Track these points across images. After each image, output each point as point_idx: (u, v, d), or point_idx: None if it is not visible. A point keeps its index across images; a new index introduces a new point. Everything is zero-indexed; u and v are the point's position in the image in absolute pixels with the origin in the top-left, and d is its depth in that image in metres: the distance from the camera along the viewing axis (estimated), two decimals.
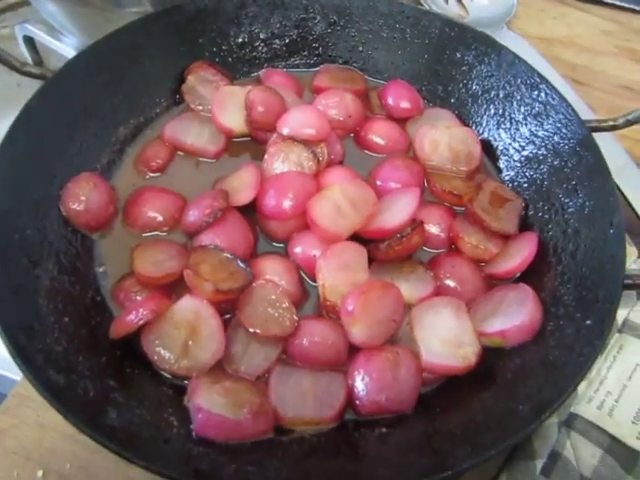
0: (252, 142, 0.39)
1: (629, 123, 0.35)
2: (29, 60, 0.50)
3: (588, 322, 0.27)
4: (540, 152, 0.36)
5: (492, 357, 0.29)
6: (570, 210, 0.33)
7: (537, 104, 0.37)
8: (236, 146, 0.39)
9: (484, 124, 0.40)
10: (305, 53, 0.43)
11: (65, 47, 0.48)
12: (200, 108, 0.39)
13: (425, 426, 0.27)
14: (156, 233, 0.34)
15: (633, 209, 0.39)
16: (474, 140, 0.38)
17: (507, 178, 0.38)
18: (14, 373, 0.33)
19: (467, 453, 0.24)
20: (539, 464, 0.28)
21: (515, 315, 0.30)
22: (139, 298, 0.30)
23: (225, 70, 0.41)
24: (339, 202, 0.33)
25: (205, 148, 0.38)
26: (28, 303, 0.27)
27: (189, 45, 0.40)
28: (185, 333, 0.29)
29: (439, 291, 0.32)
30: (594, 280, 0.29)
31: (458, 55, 0.40)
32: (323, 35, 0.43)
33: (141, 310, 0.28)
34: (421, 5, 0.52)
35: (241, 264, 0.31)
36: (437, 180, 0.37)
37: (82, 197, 0.33)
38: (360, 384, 0.28)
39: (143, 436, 0.24)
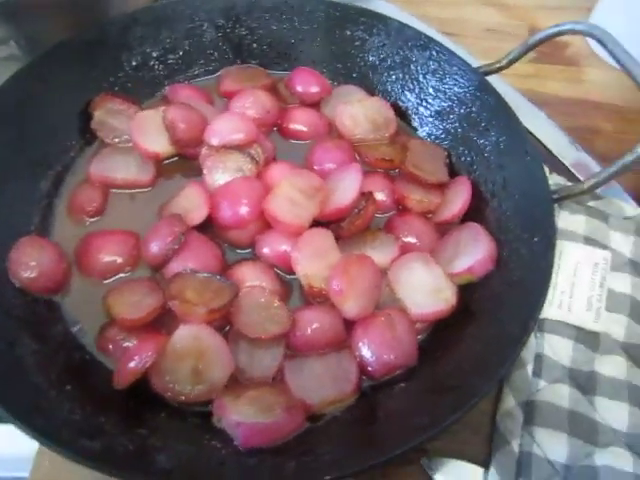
0: (182, 160, 0.38)
1: (511, 62, 0.39)
2: None
3: (536, 239, 0.32)
4: (446, 104, 0.40)
5: (466, 294, 0.33)
6: (488, 149, 0.37)
7: (431, 62, 0.41)
8: (167, 168, 0.38)
9: (389, 90, 0.43)
10: (202, 62, 0.43)
11: None
12: (117, 140, 0.38)
13: (433, 371, 0.30)
14: (119, 276, 0.33)
15: (535, 137, 0.44)
16: (386, 107, 0.41)
17: (424, 134, 0.41)
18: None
19: (480, 380, 0.27)
20: (529, 369, 0.32)
21: (474, 251, 0.33)
22: (130, 344, 0.30)
23: (129, 97, 0.40)
24: (292, 195, 0.34)
25: (137, 179, 0.37)
26: (24, 385, 0.26)
27: (84, 80, 0.39)
28: (192, 360, 0.29)
29: (403, 249, 0.35)
30: (528, 202, 0.34)
31: (348, 32, 0.43)
32: (215, 40, 0.43)
33: (142, 354, 0.28)
34: None
35: (221, 279, 0.31)
36: (367, 151, 0.39)
37: (31, 263, 0.31)
38: (367, 352, 0.30)
39: (200, 468, 0.24)
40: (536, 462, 0.28)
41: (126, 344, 0.30)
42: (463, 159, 0.39)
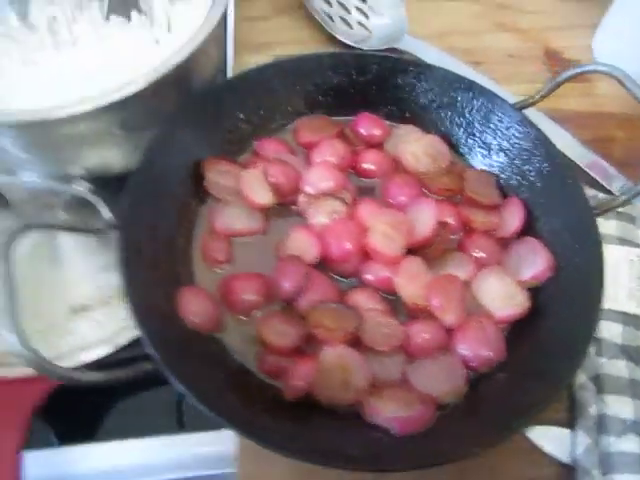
0: (282, 207, 0.46)
1: (542, 98, 0.47)
2: None
3: (585, 248, 0.40)
4: (491, 136, 0.48)
5: (536, 294, 0.42)
6: (532, 174, 0.46)
7: (474, 101, 0.49)
8: (272, 215, 0.46)
9: (440, 126, 0.50)
10: (279, 116, 0.50)
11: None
12: (228, 198, 0.46)
13: (522, 360, 0.38)
14: (255, 311, 0.41)
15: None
16: (440, 142, 0.49)
17: (475, 163, 0.49)
18: None
19: (570, 359, 0.36)
20: (592, 350, 0.41)
21: (535, 262, 0.42)
22: (287, 365, 0.38)
23: (226, 156, 0.47)
24: (384, 230, 0.42)
25: (252, 227, 0.44)
26: (229, 402, 0.34)
27: (191, 147, 0.46)
28: (339, 373, 0.37)
29: (476, 264, 0.43)
30: (573, 218, 0.42)
31: (399, 81, 0.50)
32: (288, 96, 0.50)
33: (304, 373, 0.36)
34: (330, 32, 0.61)
35: (346, 308, 0.39)
36: (430, 182, 0.47)
37: (194, 309, 0.39)
38: (467, 351, 0.39)
39: (376, 452, 0.33)
40: (611, 421, 0.37)
41: (284, 365, 0.38)
42: (511, 182, 0.47)
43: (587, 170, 0.51)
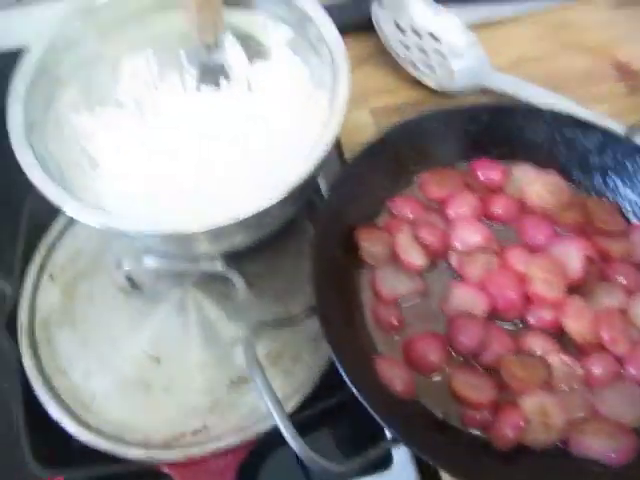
0: (433, 265, 0.50)
1: None
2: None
3: None
4: (604, 165, 0.52)
5: None
6: None
7: (582, 137, 0.52)
8: (426, 273, 0.49)
9: (552, 161, 0.54)
10: (403, 176, 0.54)
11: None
12: (383, 263, 0.49)
13: None
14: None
15: None
16: (558, 177, 0.53)
17: (594, 192, 0.53)
18: None
19: None
20: None
21: None
22: (489, 417, 0.42)
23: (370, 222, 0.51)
24: (541, 275, 0.47)
25: (415, 288, 0.48)
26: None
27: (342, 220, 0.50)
28: (539, 417, 0.41)
29: (623, 290, 0.48)
30: None
31: (509, 122, 0.54)
32: (408, 159, 0.54)
33: (515, 422, 0.41)
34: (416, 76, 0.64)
35: (531, 357, 0.44)
36: (558, 218, 0.51)
37: (394, 379, 0.43)
38: None
39: None
40: None
41: (487, 417, 0.42)
42: (634, 210, 0.51)
43: None
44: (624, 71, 0.64)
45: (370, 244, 0.49)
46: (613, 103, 0.61)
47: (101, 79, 0.56)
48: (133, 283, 0.56)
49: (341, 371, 0.40)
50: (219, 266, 0.52)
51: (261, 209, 0.43)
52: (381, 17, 0.63)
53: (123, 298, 0.56)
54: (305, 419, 0.49)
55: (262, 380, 0.38)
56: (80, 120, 0.53)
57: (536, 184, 0.52)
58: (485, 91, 0.62)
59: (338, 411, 0.51)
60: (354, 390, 0.40)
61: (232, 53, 0.58)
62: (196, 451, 0.49)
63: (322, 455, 0.37)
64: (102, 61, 0.55)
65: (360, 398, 0.39)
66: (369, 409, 0.39)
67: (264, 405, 0.37)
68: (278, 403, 0.37)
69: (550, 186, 0.52)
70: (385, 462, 0.48)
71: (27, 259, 0.58)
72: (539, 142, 0.54)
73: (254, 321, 0.43)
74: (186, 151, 0.54)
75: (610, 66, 0.65)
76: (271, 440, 0.48)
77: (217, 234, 0.47)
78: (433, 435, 0.42)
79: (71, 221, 0.60)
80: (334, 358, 0.41)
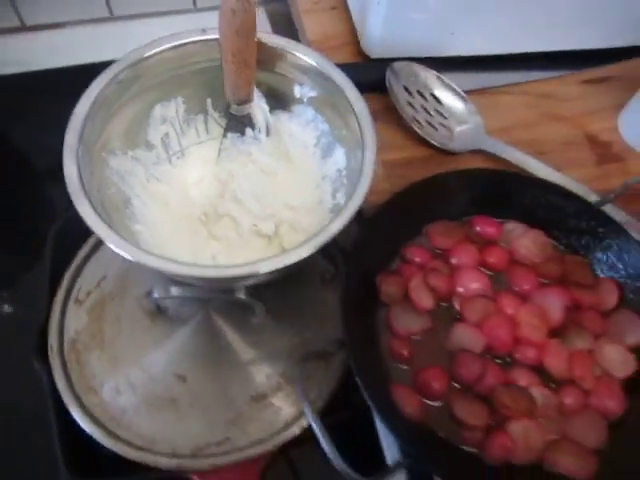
0: (439, 306, 0.59)
1: (616, 197, 0.62)
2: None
3: None
4: (579, 227, 0.62)
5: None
6: (621, 265, 0.60)
7: (561, 202, 0.63)
8: (433, 313, 0.58)
9: (539, 222, 0.64)
10: (414, 227, 0.63)
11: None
12: (397, 303, 0.58)
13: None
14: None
15: None
16: (542, 234, 0.63)
17: (569, 248, 0.64)
18: None
19: None
20: None
21: (636, 329, 0.57)
22: (482, 437, 0.51)
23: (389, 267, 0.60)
24: (529, 321, 0.56)
25: (424, 326, 0.57)
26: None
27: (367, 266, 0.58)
28: (524, 439, 0.51)
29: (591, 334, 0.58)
30: None
31: (505, 188, 0.64)
32: (418, 214, 0.63)
33: (505, 445, 0.50)
34: (420, 134, 0.73)
35: (518, 388, 0.53)
36: (540, 269, 0.61)
37: (406, 402, 0.52)
38: (602, 405, 0.53)
39: None
40: None
41: (480, 439, 0.51)
42: (600, 266, 0.62)
43: None
44: (594, 141, 0.75)
45: (387, 287, 0.58)
46: (585, 169, 0.72)
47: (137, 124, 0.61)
48: (159, 308, 0.62)
49: (365, 395, 0.49)
50: (242, 295, 0.58)
51: (294, 261, 0.47)
52: (393, 81, 0.72)
53: (149, 321, 0.62)
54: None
55: (308, 409, 0.45)
56: (117, 161, 0.59)
57: (525, 239, 0.62)
58: (481, 152, 0.71)
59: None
60: (376, 412, 0.48)
61: (257, 104, 0.65)
62: (221, 461, 0.55)
63: None
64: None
65: (381, 419, 0.48)
66: (389, 429, 0.47)
67: (314, 429, 0.45)
68: (323, 429, 0.45)
69: (536, 241, 0.63)
70: None
71: (54, 286, 0.62)
72: (527, 204, 0.64)
73: (299, 354, 0.50)
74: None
75: (583, 136, 0.76)
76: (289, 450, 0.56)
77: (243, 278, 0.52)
78: (437, 452, 0.51)
79: (94, 248, 0.65)
80: (360, 384, 0.49)
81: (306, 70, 0.60)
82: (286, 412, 0.60)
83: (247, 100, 0.62)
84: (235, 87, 0.60)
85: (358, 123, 0.57)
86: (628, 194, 0.62)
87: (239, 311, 0.63)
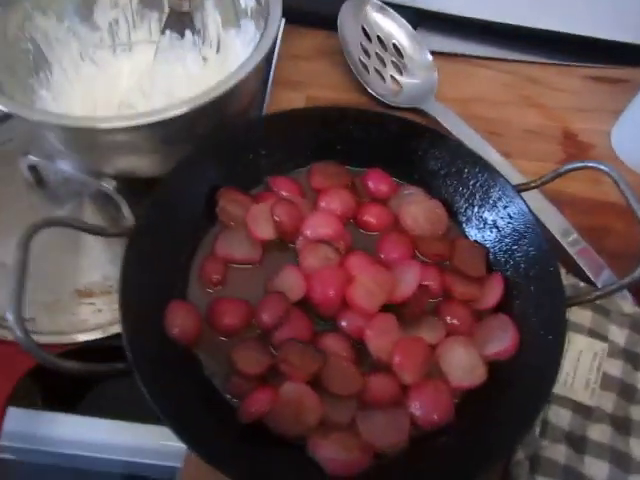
0: (281, 243, 0.50)
1: (543, 184, 0.50)
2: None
3: (550, 337, 0.42)
4: (489, 211, 0.51)
5: (493, 369, 0.44)
6: (519, 254, 0.48)
7: (479, 175, 0.51)
8: (270, 248, 0.50)
9: (444, 193, 0.53)
10: (297, 158, 0.55)
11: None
12: (233, 224, 0.50)
13: (469, 429, 0.41)
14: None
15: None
16: (441, 209, 0.52)
17: (469, 233, 0.52)
18: None
19: (512, 436, 0.38)
20: (537, 430, 0.43)
21: (503, 339, 0.44)
22: (249, 391, 0.42)
23: (240, 187, 0.52)
24: (368, 286, 0.46)
25: (250, 257, 0.49)
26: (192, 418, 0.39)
27: (210, 175, 0.51)
28: (293, 407, 0.41)
29: (448, 330, 0.46)
30: (547, 305, 0.44)
31: (414, 144, 0.54)
32: (310, 142, 0.54)
33: (261, 402, 0.40)
34: (362, 82, 0.65)
35: (315, 350, 0.43)
36: (422, 245, 0.50)
37: (178, 322, 0.44)
38: (417, 410, 0.42)
39: None
40: None
41: (246, 391, 0.42)
42: (498, 259, 0.50)
43: (576, 258, 0.52)
44: (570, 139, 0.62)
45: (227, 203, 0.50)
46: (544, 164, 0.60)
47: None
48: (38, 177, 0.59)
49: (120, 295, 0.41)
50: (112, 186, 0.55)
51: (166, 116, 0.45)
52: (348, 20, 0.64)
53: (25, 190, 0.60)
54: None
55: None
56: (46, 23, 0.58)
57: (417, 207, 0.52)
58: (421, 113, 0.62)
59: None
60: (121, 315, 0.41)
61: (210, 15, 0.62)
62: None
63: None
64: None
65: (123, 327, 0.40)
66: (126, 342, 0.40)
67: None
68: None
69: (430, 213, 0.52)
70: None
71: None
72: (436, 170, 0.53)
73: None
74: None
75: (560, 130, 0.63)
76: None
77: (118, 146, 0.50)
78: (185, 393, 0.42)
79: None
80: (120, 284, 0.42)
81: None
82: (102, 317, 0.54)
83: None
84: None
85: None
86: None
87: (110, 207, 0.60)
